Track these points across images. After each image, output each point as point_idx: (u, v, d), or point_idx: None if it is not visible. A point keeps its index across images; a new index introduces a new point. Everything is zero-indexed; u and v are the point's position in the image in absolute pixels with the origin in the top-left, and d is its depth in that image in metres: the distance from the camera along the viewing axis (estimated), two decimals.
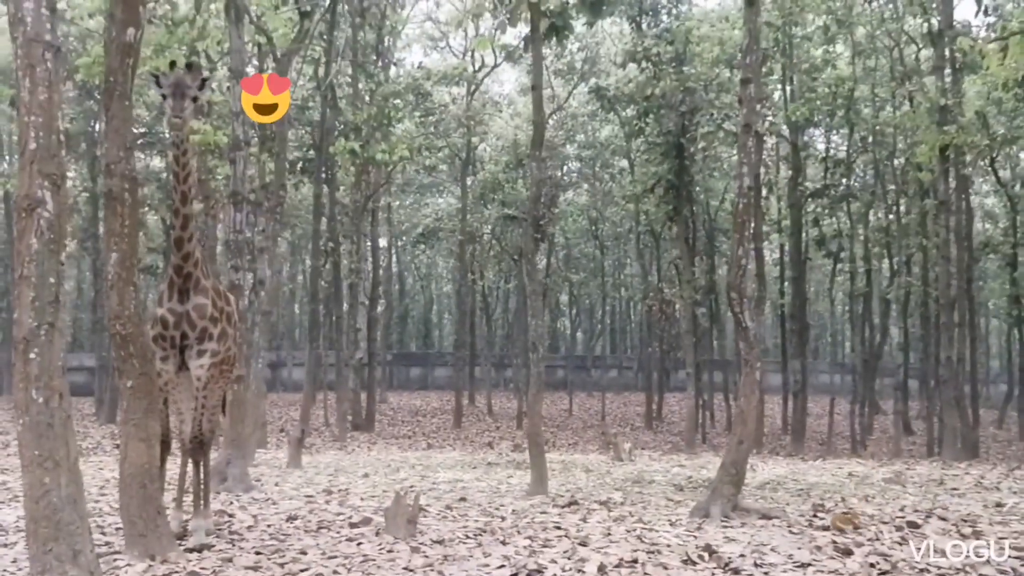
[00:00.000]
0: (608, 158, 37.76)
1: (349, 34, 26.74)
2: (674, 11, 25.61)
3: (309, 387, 21.38)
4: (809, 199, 28.90)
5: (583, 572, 7.48)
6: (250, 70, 21.23)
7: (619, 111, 29.41)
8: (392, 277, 55.43)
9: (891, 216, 28.56)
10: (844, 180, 29.39)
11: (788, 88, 28.70)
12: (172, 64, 8.26)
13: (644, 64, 24.37)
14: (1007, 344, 49.35)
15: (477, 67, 33.50)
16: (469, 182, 35.24)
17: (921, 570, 7.68)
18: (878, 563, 7.91)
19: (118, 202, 7.72)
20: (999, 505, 11.38)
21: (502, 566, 7.64)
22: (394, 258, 55.65)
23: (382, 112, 23.60)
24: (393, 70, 31.47)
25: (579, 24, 24.87)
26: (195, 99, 8.08)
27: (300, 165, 28.89)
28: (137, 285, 7.91)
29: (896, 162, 28.30)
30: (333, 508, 10.77)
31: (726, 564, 7.74)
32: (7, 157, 37.13)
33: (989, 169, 31.43)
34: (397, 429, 30.10)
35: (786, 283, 31.01)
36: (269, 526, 9.48)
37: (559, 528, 9.45)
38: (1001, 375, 53.55)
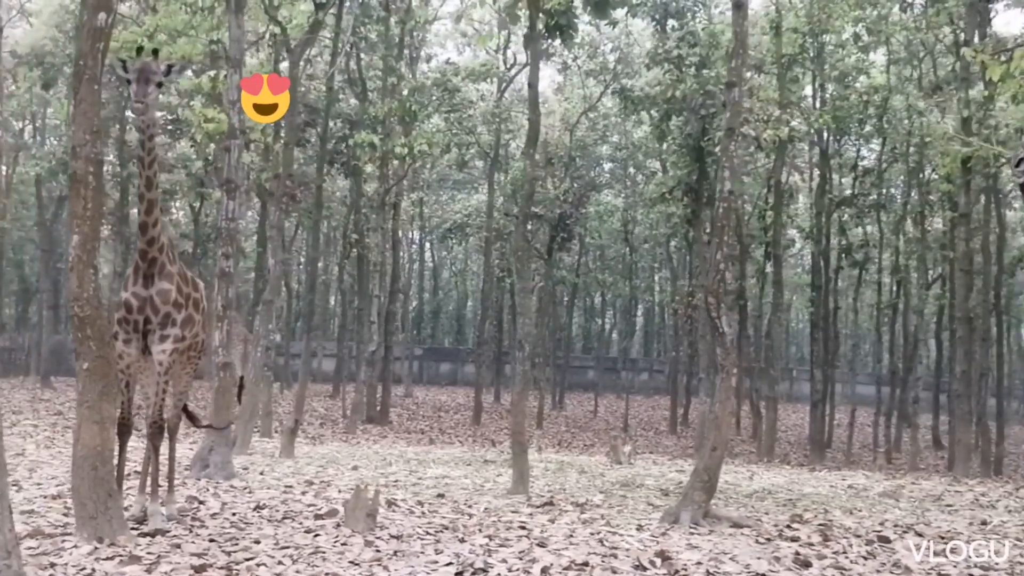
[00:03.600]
0: (641, 160, 37.56)
1: (381, 29, 26.79)
2: (699, 14, 25.39)
3: (304, 377, 21.28)
4: (838, 207, 28.56)
5: (529, 573, 7.42)
6: (261, 59, 21.37)
7: (649, 113, 29.22)
8: (425, 272, 55.56)
9: (920, 227, 28.16)
10: (875, 189, 29.05)
11: (820, 95, 28.36)
12: (139, 50, 8.29)
13: (667, 66, 24.22)
14: None
15: (509, 65, 33.47)
16: (500, 179, 35.23)
17: None
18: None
19: (82, 185, 7.76)
20: (984, 523, 11.19)
21: (450, 563, 7.59)
22: (428, 253, 55.75)
23: (403, 106, 23.59)
24: (424, 65, 31.52)
25: (603, 24, 25.00)
26: (160, 85, 8.10)
27: (329, 156, 29.03)
28: (97, 268, 7.94)
29: (924, 174, 27.94)
30: (307, 499, 10.76)
31: (676, 571, 7.65)
32: (37, 138, 37.57)
33: None
34: (415, 423, 30.12)
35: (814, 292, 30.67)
36: (234, 514, 9.48)
37: (524, 528, 9.39)
38: None
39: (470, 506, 10.81)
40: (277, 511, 9.76)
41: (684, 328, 33.56)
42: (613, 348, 58.76)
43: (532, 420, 32.62)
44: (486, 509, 10.62)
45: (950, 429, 28.47)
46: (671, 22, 24.87)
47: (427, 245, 54.28)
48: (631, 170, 39.39)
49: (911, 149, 27.28)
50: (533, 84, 12.21)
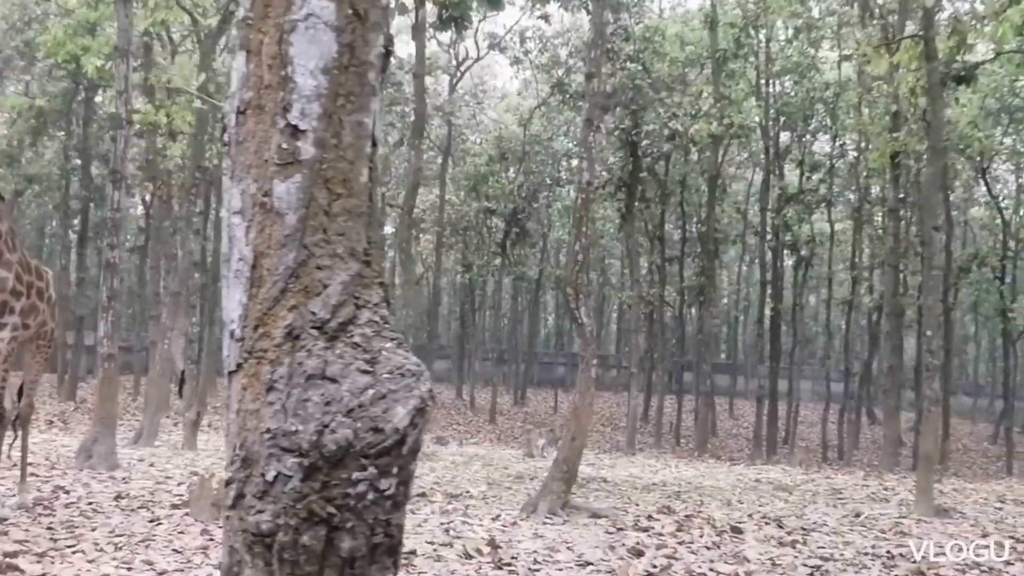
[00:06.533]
0: (597, 155, 37.42)
1: None
2: (634, 8, 25.25)
3: (206, 371, 20.92)
4: (787, 203, 28.54)
5: None
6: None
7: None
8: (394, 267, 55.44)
9: (859, 223, 28.19)
10: (823, 185, 29.10)
11: (766, 90, 28.33)
12: None
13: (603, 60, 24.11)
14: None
15: (461, 59, 33.52)
16: (459, 175, 35.28)
17: (697, 574, 7.61)
18: (660, 564, 7.83)
19: None
20: (857, 515, 11.23)
21: None
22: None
23: None
24: None
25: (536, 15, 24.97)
26: None
27: None
28: None
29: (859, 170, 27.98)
30: (179, 490, 10.74)
31: (500, 559, 7.67)
32: None
33: (980, 180, 31.06)
34: None
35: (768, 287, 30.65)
36: (90, 504, 9.47)
37: None
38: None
39: None
40: (136, 501, 9.76)
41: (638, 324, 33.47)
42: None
43: (485, 416, 32.68)
44: None
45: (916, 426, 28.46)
46: (607, 15, 24.68)
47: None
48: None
49: (851, 144, 27.39)
50: (419, 75, 12.21)
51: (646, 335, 32.79)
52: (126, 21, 12.20)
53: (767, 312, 29.93)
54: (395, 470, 1.93)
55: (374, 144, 2.10)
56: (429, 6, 12.92)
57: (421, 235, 46.22)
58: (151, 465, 13.19)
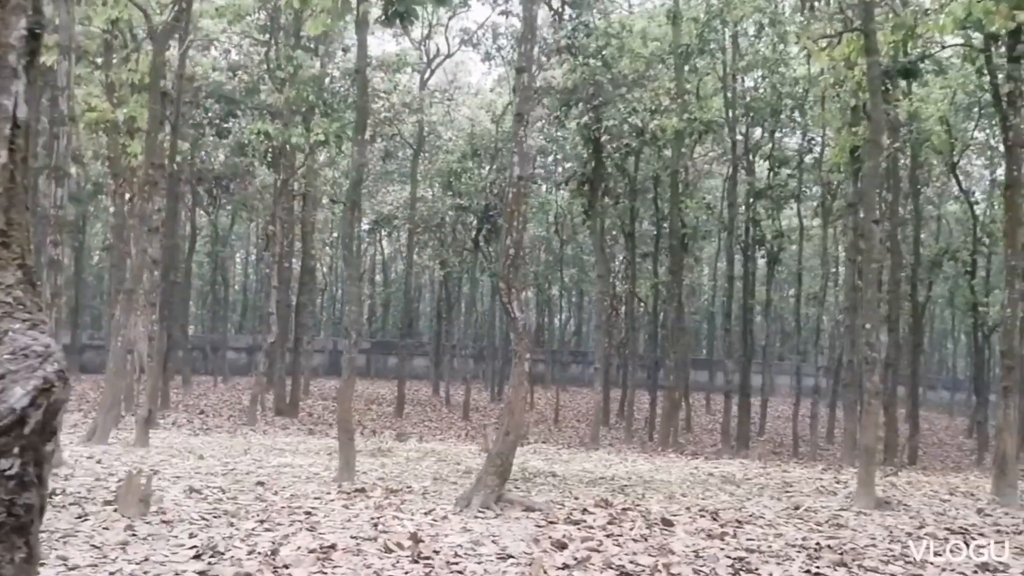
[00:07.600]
0: (570, 152, 37.50)
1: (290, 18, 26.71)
2: (598, 4, 25.24)
3: (157, 368, 20.63)
4: (756, 199, 28.58)
5: (265, 555, 7.43)
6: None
7: (567, 104, 29.17)
8: (376, 265, 55.44)
9: (824, 219, 28.26)
10: (792, 180, 29.16)
11: (732, 86, 28.32)
12: None
13: (565, 56, 24.18)
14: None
15: (432, 55, 33.51)
16: (431, 171, 35.27)
17: (616, 566, 7.62)
18: (581, 557, 7.84)
19: None
20: (796, 507, 11.27)
21: (194, 547, 7.60)
22: (379, 246, 55.65)
23: (301, 95, 23.53)
24: (340, 55, 31.31)
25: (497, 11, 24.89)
26: None
27: (251, 148, 28.95)
28: None
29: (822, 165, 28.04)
30: (115, 487, 10.71)
31: (420, 553, 7.67)
32: None
33: (951, 176, 31.17)
34: (332, 416, 30.05)
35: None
36: None
37: (308, 513, 9.39)
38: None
39: (276, 493, 10.80)
40: (70, 497, 9.76)
41: (610, 320, 33.53)
42: (570, 340, 58.89)
43: (459, 413, 32.70)
44: (292, 495, 10.62)
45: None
46: (568, 11, 24.70)
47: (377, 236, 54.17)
48: (568, 164, 39.30)
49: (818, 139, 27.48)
50: (360, 70, 12.18)
51: (623, 330, 32.90)
52: (68, 19, 12.17)
53: (735, 307, 29.93)
54: (17, 450, 1.93)
55: (16, 126, 2.10)
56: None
57: (396, 232, 46.37)
58: (98, 462, 13.17)
